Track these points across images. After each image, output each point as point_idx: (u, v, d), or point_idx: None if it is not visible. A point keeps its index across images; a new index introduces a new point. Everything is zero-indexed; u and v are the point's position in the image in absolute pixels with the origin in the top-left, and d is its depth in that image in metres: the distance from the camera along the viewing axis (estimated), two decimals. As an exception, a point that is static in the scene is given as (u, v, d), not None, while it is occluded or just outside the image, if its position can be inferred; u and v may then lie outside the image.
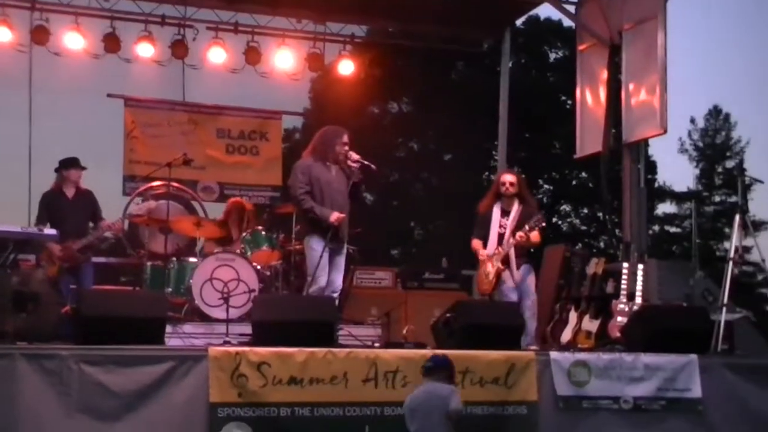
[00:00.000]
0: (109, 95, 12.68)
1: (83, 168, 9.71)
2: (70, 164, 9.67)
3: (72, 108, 12.23)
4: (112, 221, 9.67)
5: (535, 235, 8.76)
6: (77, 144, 11.30)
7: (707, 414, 7.65)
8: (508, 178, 9.02)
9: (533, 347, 8.34)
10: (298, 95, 14.23)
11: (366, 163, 8.39)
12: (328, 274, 8.29)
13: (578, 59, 12.65)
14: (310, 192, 8.28)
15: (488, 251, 8.86)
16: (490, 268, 8.78)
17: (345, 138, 8.43)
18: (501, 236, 8.86)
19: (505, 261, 8.74)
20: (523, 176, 9.39)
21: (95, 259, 10.05)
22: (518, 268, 8.77)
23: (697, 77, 65.36)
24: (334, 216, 8.15)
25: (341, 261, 8.50)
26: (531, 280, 8.92)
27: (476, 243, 9.01)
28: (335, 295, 8.37)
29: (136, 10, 12.21)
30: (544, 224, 8.86)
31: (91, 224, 9.62)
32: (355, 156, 8.35)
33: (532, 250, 9.32)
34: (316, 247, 8.22)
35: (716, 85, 69.07)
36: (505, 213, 8.94)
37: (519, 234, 8.69)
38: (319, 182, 8.29)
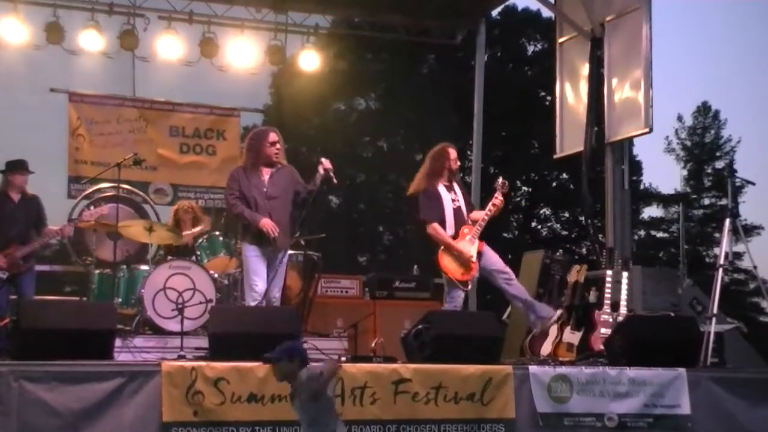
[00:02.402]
0: (52, 90, 12.59)
1: (30, 172, 9.49)
2: (14, 168, 9.48)
3: (12, 103, 12.12)
4: (58, 227, 9.51)
5: (501, 200, 8.92)
6: (18, 142, 11.20)
7: None
8: (455, 152, 9.12)
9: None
10: (257, 91, 14.23)
11: (331, 175, 8.49)
12: (264, 282, 8.37)
13: (558, 52, 12.73)
14: (241, 198, 8.41)
15: (450, 232, 8.81)
16: (471, 250, 8.73)
17: (272, 137, 8.58)
18: (456, 212, 8.88)
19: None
20: None
21: (38, 267, 9.91)
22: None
23: (684, 72, 65.98)
24: (263, 221, 8.25)
25: (280, 271, 8.52)
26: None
27: (439, 227, 8.83)
28: None
29: (81, -3, 12.15)
30: (507, 185, 9.04)
31: (34, 231, 9.46)
32: (327, 165, 8.46)
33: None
34: (248, 253, 8.38)
35: (705, 80, 69.56)
36: (448, 189, 9.00)
37: (493, 202, 8.81)
38: (249, 191, 8.43)
